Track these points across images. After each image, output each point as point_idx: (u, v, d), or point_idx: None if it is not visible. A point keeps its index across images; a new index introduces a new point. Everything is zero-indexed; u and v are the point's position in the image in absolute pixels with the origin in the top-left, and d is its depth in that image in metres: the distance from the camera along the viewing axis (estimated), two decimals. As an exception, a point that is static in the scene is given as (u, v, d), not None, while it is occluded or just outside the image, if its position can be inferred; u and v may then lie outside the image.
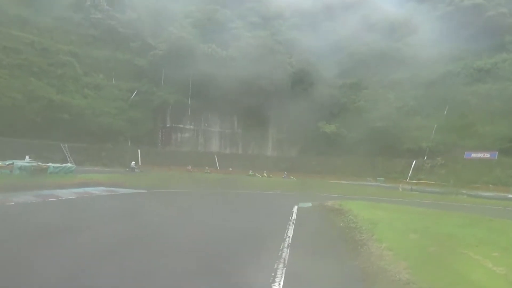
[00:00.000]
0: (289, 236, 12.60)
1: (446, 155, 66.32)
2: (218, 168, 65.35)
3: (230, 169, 63.90)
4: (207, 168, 61.44)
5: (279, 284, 8.48)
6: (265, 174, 61.40)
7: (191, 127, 72.74)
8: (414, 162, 69.26)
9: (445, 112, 73.02)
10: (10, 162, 27.46)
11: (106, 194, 21.58)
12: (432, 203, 28.69)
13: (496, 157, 60.23)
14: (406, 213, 16.46)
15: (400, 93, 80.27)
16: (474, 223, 13.91)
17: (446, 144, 67.45)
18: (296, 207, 20.40)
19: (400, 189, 44.87)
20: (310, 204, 21.70)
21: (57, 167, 30.22)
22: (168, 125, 70.78)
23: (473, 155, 64.70)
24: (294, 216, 17.17)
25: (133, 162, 49.74)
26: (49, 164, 30.60)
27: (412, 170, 68.51)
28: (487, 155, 63.25)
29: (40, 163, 29.61)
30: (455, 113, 69.57)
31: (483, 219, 16.03)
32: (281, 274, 8.94)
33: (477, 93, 70.44)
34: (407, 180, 60.25)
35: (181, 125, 72.23)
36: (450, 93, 72.42)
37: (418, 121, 74.12)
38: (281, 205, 22.15)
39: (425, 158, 68.97)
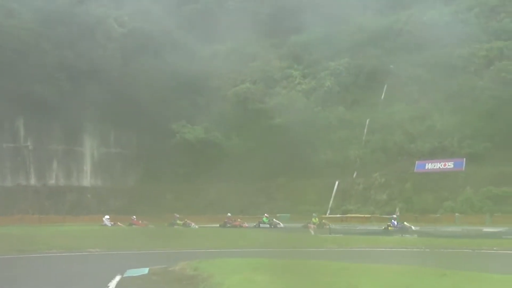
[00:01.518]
0: None
1: (387, 169, 62.53)
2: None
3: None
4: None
5: None
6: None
7: None
8: (337, 183, 64.59)
9: (383, 96, 70.61)
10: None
11: None
12: (363, 251, 27.83)
13: (463, 168, 58.14)
14: (311, 274, 16.09)
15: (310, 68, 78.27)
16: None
17: (387, 150, 64.07)
18: (118, 277, 18.96)
19: (312, 232, 44.08)
20: (145, 271, 20.73)
21: None
22: None
23: (429, 165, 60.89)
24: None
25: None
26: None
27: (335, 197, 64.05)
28: (450, 164, 59.72)
29: None
30: (401, 100, 68.00)
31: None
32: None
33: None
34: (327, 215, 57.42)
35: None
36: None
37: (342, 113, 70.96)
38: (91, 276, 21.00)
39: (354, 176, 64.95)
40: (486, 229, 41.67)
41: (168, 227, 51.53)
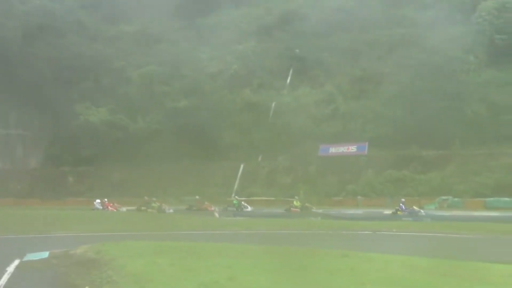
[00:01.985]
0: None
1: (292, 152, 62.25)
2: None
3: None
4: None
5: None
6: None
7: None
8: (243, 166, 64.12)
9: (288, 80, 70.05)
10: None
11: None
12: (267, 233, 27.44)
13: (366, 151, 58.80)
14: (210, 258, 15.58)
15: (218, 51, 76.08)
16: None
17: (292, 134, 63.03)
18: (17, 261, 18.26)
19: (217, 215, 43.11)
20: (46, 255, 20.03)
21: None
22: None
23: (332, 149, 61.01)
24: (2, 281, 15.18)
25: None
26: None
27: (240, 180, 63.40)
28: (353, 148, 60.14)
29: None
30: (306, 83, 68.39)
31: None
32: None
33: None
34: (233, 198, 55.18)
35: None
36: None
37: (249, 97, 69.76)
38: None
39: (259, 159, 64.59)
40: (387, 212, 42.18)
41: (138, 211, 47.93)
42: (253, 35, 75.52)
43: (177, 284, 12.44)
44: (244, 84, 71.31)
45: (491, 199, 45.54)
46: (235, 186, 62.54)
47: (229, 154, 63.36)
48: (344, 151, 60.11)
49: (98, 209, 49.40)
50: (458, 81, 55.52)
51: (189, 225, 33.29)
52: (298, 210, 44.26)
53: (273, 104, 68.84)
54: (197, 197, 51.97)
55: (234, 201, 48.92)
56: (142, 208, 48.02)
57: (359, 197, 52.56)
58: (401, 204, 40.82)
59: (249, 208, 47.63)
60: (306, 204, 44.78)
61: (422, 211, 40.49)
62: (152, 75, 73.14)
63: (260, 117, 67.85)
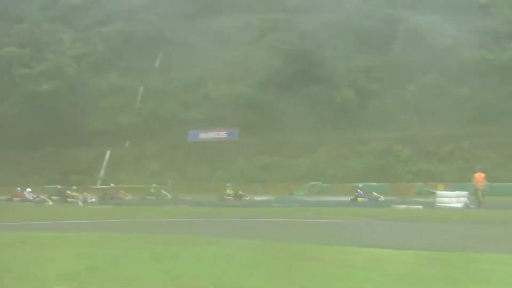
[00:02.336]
0: None
1: (161, 138, 60.49)
2: None
3: None
4: None
5: None
6: None
7: None
8: (109, 152, 62.08)
9: (157, 64, 69.40)
10: None
11: None
12: (132, 222, 24.72)
13: (236, 137, 58.09)
14: (72, 247, 13.87)
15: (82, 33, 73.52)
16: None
17: (161, 119, 61.67)
18: None
19: (81, 203, 40.07)
20: None
21: None
22: None
23: (202, 135, 60.23)
24: None
25: None
26: None
27: (106, 167, 61.34)
28: (223, 134, 59.52)
29: None
30: (176, 67, 66.65)
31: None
32: None
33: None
34: (98, 186, 54.30)
35: None
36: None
37: (115, 80, 67.65)
38: None
39: (126, 145, 62.67)
40: (257, 198, 41.39)
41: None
42: (120, 17, 72.68)
43: (36, 275, 10.71)
44: (110, 67, 68.82)
45: (360, 184, 44.55)
46: (101, 173, 60.36)
47: (95, 139, 60.49)
48: (214, 136, 59.26)
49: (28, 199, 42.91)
50: (328, 66, 55.55)
51: (56, 215, 30.07)
52: (232, 198, 41.76)
53: (141, 88, 66.97)
54: (112, 184, 48.57)
55: (152, 190, 45.22)
56: (53, 197, 42.63)
57: (228, 184, 49.26)
58: (359, 190, 39.08)
59: (169, 196, 44.45)
60: (240, 192, 42.47)
61: (381, 197, 38.75)
62: (11, 57, 68.90)
63: (128, 102, 65.73)
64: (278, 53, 58.19)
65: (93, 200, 42.06)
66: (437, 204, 28.42)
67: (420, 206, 28.58)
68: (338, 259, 10.69)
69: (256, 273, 9.23)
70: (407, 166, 47.35)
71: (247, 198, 40.89)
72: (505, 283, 8.32)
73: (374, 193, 38.64)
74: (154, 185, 46.02)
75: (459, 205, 27.91)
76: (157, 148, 59.88)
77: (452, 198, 28.70)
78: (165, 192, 44.43)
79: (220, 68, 63.28)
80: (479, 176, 28.40)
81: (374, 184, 44.08)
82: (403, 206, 28.75)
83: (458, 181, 37.57)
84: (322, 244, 13.10)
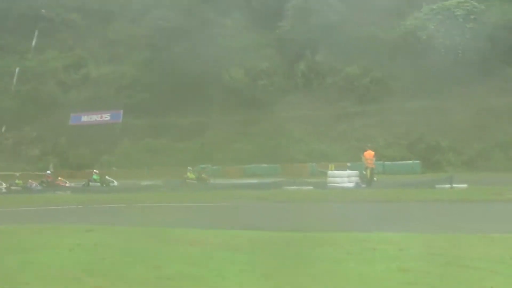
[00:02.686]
0: None
1: (40, 122, 58.45)
2: None
3: None
4: None
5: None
6: None
7: None
8: None
9: (34, 43, 65.70)
10: None
11: None
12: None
13: (120, 119, 56.87)
14: None
15: None
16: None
17: (40, 102, 59.17)
18: None
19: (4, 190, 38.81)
20: None
21: None
22: None
23: (84, 118, 58.59)
24: None
25: None
26: None
27: None
28: (107, 116, 58.10)
29: None
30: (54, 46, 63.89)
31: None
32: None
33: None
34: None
35: None
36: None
37: None
38: None
39: (3, 130, 60.61)
40: (144, 183, 40.00)
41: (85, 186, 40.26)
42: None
43: None
44: (-19, 46, 66.10)
45: (250, 166, 44.87)
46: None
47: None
48: (97, 119, 57.96)
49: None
50: (216, 45, 53.53)
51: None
52: (195, 181, 39.56)
53: (17, 69, 63.96)
54: (48, 171, 44.60)
55: (94, 176, 41.63)
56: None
57: (114, 168, 49.51)
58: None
59: (115, 183, 41.26)
60: (203, 175, 40.51)
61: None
62: None
63: (2, 84, 63.20)
64: (162, 32, 56.25)
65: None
66: (328, 184, 28.13)
67: (311, 187, 28.01)
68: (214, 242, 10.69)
69: (127, 259, 9.23)
70: (298, 146, 46.70)
71: (210, 181, 38.99)
72: (387, 262, 8.27)
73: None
74: (95, 171, 43.04)
75: (351, 184, 27.83)
76: (36, 133, 58.02)
77: (343, 178, 28.66)
78: (109, 178, 41.40)
79: (101, 47, 61.62)
80: (369, 154, 28.04)
81: (265, 165, 43.63)
82: (294, 187, 28.08)
83: (352, 161, 36.77)
84: (194, 228, 13.12)
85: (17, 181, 40.67)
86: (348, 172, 29.69)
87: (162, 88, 52.98)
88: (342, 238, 10.54)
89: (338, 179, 28.73)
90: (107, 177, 41.14)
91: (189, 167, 41.64)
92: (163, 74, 53.71)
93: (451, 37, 44.52)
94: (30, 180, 41.04)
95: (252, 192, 26.98)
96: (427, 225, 13.42)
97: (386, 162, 39.32)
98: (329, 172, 31.20)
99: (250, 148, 47.59)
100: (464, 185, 24.06)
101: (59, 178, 42.26)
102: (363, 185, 27.47)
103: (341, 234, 11.06)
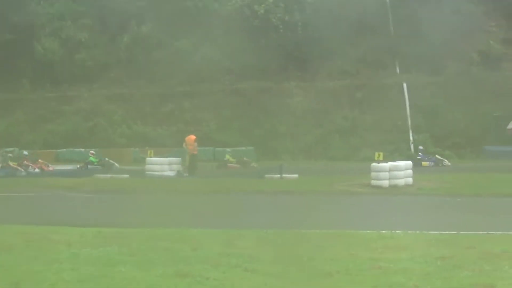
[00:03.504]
0: None
1: None
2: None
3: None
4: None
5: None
6: None
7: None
8: None
9: None
10: None
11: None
12: None
13: None
14: None
15: None
16: None
17: None
18: None
19: None
20: None
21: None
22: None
23: None
24: None
25: None
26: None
27: None
28: None
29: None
30: None
31: None
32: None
33: None
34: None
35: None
36: None
37: None
38: None
39: None
40: None
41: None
42: None
43: None
44: None
45: (64, 150, 40.84)
46: None
47: None
48: None
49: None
50: (27, 11, 47.50)
51: None
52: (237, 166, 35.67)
53: None
54: (25, 152, 37.06)
55: (91, 158, 35.00)
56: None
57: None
58: (420, 153, 33.89)
59: (117, 166, 35.44)
60: (245, 159, 35.90)
61: (445, 160, 34.31)
62: None
63: None
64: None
65: (36, 170, 34.02)
66: (147, 172, 26.98)
67: (126, 175, 26.91)
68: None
69: None
70: (120, 128, 42.98)
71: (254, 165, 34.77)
72: (170, 264, 7.87)
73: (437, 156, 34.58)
74: (92, 151, 36.73)
75: (172, 173, 26.99)
76: None
77: (164, 166, 27.57)
78: (110, 161, 35.50)
79: None
80: (189, 139, 27.29)
81: (82, 150, 39.52)
82: (107, 175, 27.09)
83: (179, 146, 33.72)
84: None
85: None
86: (170, 159, 28.27)
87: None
88: (137, 235, 10.37)
89: (157, 167, 27.31)
90: (106, 158, 35.20)
91: (227, 149, 37.49)
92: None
93: (290, 12, 42.22)
94: (25, 162, 34.61)
95: (61, 180, 25.33)
96: (236, 220, 13.48)
97: (217, 149, 37.28)
98: (148, 159, 29.05)
99: (65, 130, 42.92)
100: (295, 175, 24.47)
101: (39, 160, 35.19)
102: (185, 174, 26.44)
103: (135, 230, 10.94)
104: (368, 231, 11.48)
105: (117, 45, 47.54)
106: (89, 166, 35.20)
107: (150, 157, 29.59)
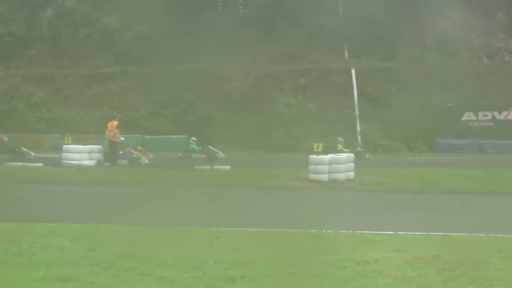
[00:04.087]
0: None
1: None
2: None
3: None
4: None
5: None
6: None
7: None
8: None
9: None
10: None
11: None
12: None
13: None
14: None
15: None
16: None
17: None
18: None
19: None
20: None
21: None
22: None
23: None
24: None
25: None
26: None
27: None
28: None
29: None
30: None
31: None
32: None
33: None
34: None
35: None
36: None
37: None
38: None
39: None
40: None
41: None
42: None
43: None
44: None
45: None
46: None
47: None
48: None
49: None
50: None
51: None
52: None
53: None
54: (122, 138, 32.20)
55: (193, 145, 32.89)
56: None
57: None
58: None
59: (222, 155, 32.90)
60: (359, 149, 33.65)
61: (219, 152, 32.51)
62: None
63: None
64: None
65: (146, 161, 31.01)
66: (63, 161, 25.10)
67: (40, 164, 25.15)
68: None
69: None
70: (39, 112, 40.35)
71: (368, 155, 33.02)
72: (54, 267, 7.39)
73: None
74: (193, 139, 34.39)
75: (91, 162, 25.38)
76: None
77: (83, 154, 25.79)
78: (214, 149, 33.08)
79: None
80: (111, 125, 25.39)
81: None
82: (19, 163, 25.05)
83: (103, 132, 31.13)
84: None
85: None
86: (90, 147, 26.60)
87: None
88: (34, 231, 10.06)
89: (76, 155, 25.41)
90: (210, 147, 32.03)
91: (339, 138, 33.62)
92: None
93: (229, -11, 40.13)
94: (22, 147, 32.37)
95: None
96: (149, 216, 13.37)
97: (146, 136, 35.58)
98: (65, 146, 27.43)
99: None
100: (227, 167, 23.93)
101: (138, 147, 32.03)
102: (106, 164, 25.01)
103: (33, 226, 10.62)
104: (296, 230, 11.28)
105: (38, 19, 44.57)
106: (193, 155, 32.71)
107: (68, 144, 27.94)
